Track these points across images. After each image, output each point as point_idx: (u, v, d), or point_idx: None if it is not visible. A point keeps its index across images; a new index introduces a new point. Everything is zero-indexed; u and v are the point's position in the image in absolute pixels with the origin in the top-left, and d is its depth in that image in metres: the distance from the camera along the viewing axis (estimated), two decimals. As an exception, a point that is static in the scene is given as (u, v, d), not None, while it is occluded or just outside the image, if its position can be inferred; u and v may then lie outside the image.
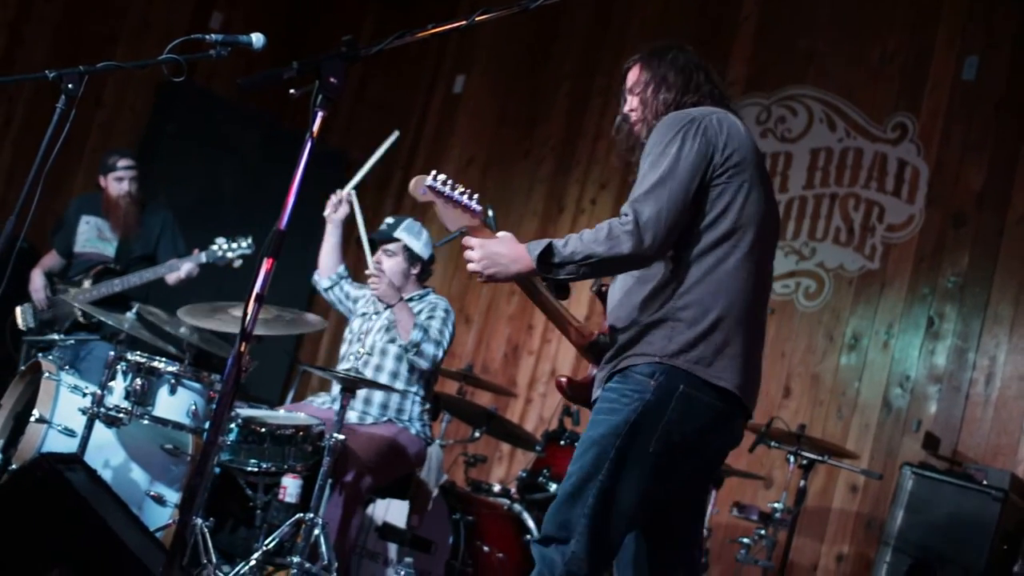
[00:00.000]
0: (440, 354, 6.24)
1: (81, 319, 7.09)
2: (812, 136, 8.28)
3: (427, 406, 6.43)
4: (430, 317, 6.32)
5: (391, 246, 6.47)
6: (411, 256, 6.50)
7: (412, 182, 3.83)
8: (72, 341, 7.22)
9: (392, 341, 6.32)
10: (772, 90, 8.59)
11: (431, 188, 3.78)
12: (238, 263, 7.46)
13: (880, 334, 7.54)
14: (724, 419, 3.71)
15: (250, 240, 7.48)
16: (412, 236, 6.50)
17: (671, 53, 4.05)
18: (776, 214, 3.97)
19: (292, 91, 3.27)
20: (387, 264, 6.43)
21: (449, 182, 3.79)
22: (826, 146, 8.18)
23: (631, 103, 4.10)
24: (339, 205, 6.62)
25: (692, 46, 4.12)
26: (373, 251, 6.53)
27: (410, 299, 6.43)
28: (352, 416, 6.17)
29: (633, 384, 3.62)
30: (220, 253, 7.40)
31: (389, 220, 6.63)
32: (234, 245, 7.44)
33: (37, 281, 7.66)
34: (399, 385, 6.23)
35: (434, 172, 3.76)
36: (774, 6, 8.82)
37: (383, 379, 6.21)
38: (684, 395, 3.58)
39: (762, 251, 3.79)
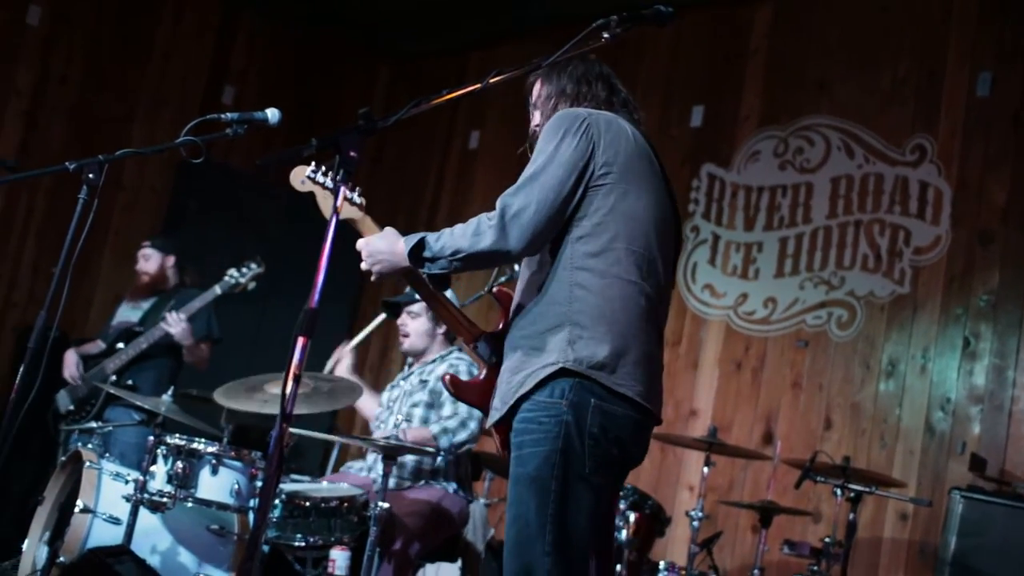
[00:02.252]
0: (472, 428, 6.15)
1: (111, 389, 7.11)
2: (831, 165, 8.26)
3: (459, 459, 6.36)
4: (430, 407, 6.30)
5: (414, 307, 6.44)
6: (435, 316, 6.47)
7: (292, 173, 3.93)
8: (110, 428, 7.24)
9: (415, 406, 6.30)
10: (787, 122, 8.59)
11: (310, 178, 3.90)
12: (252, 285, 7.53)
13: (917, 358, 7.49)
14: (640, 429, 3.67)
15: (258, 260, 7.55)
16: None
17: (571, 65, 4.00)
18: (672, 218, 3.90)
19: (312, 167, 3.29)
20: (411, 326, 6.42)
21: (329, 173, 3.86)
22: (846, 174, 8.16)
23: (535, 118, 4.09)
24: (340, 361, 6.65)
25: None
26: (396, 314, 6.52)
27: (433, 360, 6.42)
28: (389, 482, 6.14)
29: (547, 410, 3.54)
30: (232, 281, 7.50)
31: None
32: (244, 270, 7.54)
33: (70, 358, 7.73)
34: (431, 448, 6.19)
35: (314, 163, 3.84)
36: (782, 38, 8.82)
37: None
38: (597, 408, 3.52)
39: (653, 254, 3.73)
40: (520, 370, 3.64)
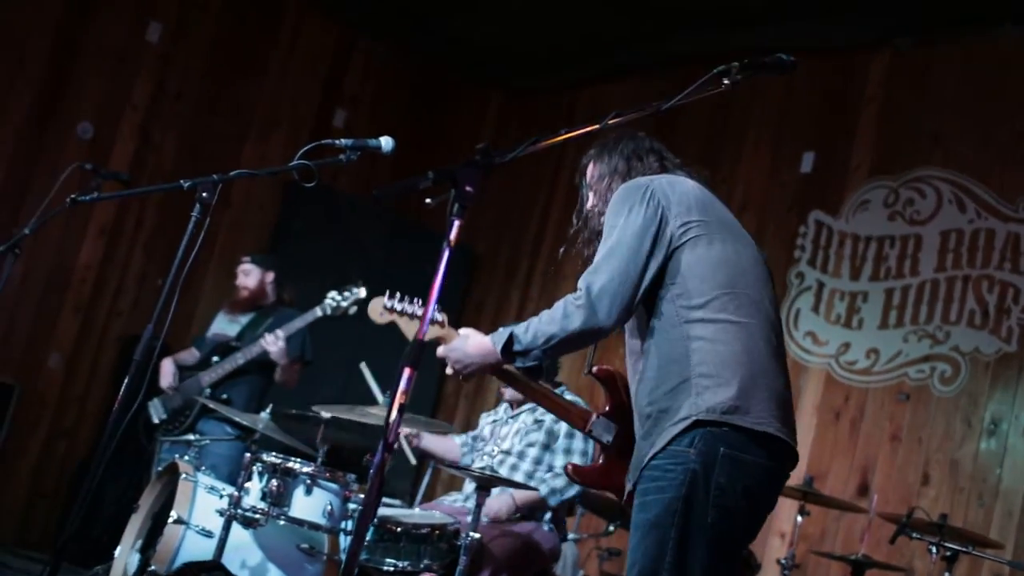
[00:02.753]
0: (579, 486, 6.12)
1: (210, 404, 7.17)
2: (942, 218, 8.17)
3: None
4: (570, 435, 6.27)
5: None
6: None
7: (370, 306, 3.99)
8: (207, 441, 7.30)
9: (531, 445, 6.29)
10: (899, 172, 8.50)
11: (388, 308, 3.92)
12: (353, 310, 7.56)
13: (1020, 419, 7.37)
14: (772, 476, 3.65)
15: (360, 285, 7.58)
16: None
17: (621, 143, 4.07)
18: (758, 258, 3.89)
19: (428, 200, 3.30)
20: None
21: (405, 299, 3.89)
22: (956, 227, 8.06)
23: (590, 199, 4.12)
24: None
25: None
26: None
27: (525, 408, 6.43)
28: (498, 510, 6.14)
29: (673, 457, 3.52)
30: (334, 304, 7.54)
31: None
32: (346, 294, 7.56)
33: (167, 367, 7.85)
34: (533, 484, 6.18)
35: (388, 292, 3.88)
36: (898, 88, 8.74)
37: (518, 478, 6.16)
38: (727, 457, 3.49)
39: (755, 294, 3.73)
40: (651, 434, 3.64)
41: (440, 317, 4.00)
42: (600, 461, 4.01)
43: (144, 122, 9.67)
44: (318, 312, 7.59)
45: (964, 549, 6.13)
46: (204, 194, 4.30)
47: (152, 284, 9.56)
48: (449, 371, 3.92)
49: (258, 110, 10.41)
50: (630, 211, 3.69)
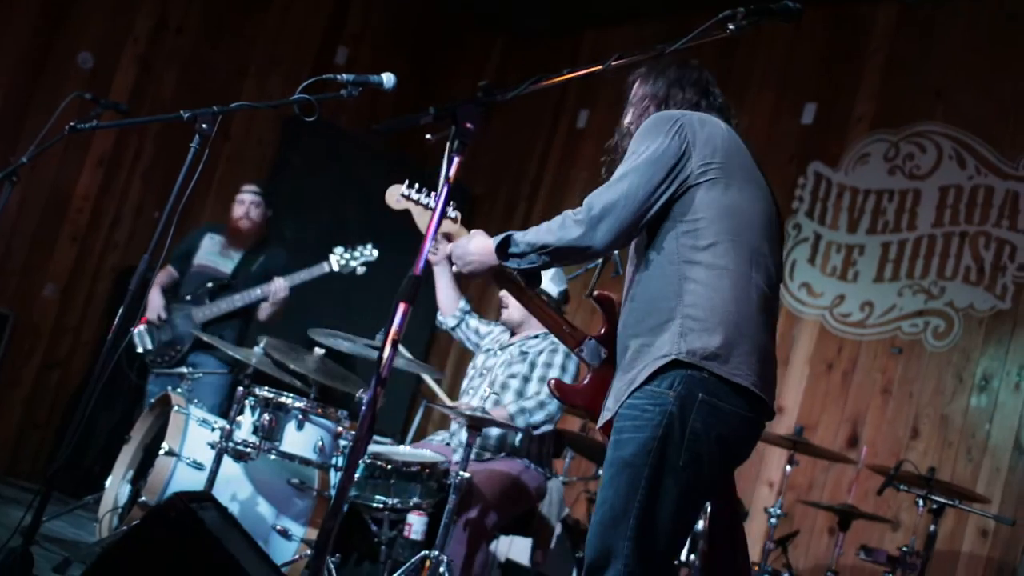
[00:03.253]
0: (550, 410, 6.13)
1: (205, 337, 7.15)
2: (941, 173, 8.15)
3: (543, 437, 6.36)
4: (548, 364, 6.29)
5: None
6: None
7: (387, 192, 3.96)
8: (200, 375, 7.31)
9: (513, 376, 6.31)
10: (900, 126, 8.48)
11: (405, 196, 3.91)
12: (362, 270, 7.56)
13: (1012, 375, 7.39)
14: (749, 425, 3.65)
15: (370, 246, 7.58)
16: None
17: (668, 68, 4.03)
18: (775, 212, 3.89)
19: (428, 136, 3.29)
20: (513, 305, 6.40)
21: (423, 190, 3.88)
22: (956, 183, 8.05)
23: (628, 115, 4.11)
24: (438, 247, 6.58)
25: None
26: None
27: (535, 336, 6.41)
28: (491, 432, 6.16)
29: (653, 399, 3.53)
30: (343, 261, 7.56)
31: None
32: (356, 253, 7.55)
33: (156, 300, 7.81)
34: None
35: (407, 182, 3.84)
36: (903, 41, 8.70)
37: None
38: (704, 403, 3.50)
39: (760, 247, 3.73)
40: (632, 367, 3.63)
41: (454, 214, 4.01)
42: (585, 382, 4.02)
43: (145, 54, 9.61)
44: (326, 267, 7.59)
45: (951, 503, 6.17)
46: (204, 125, 4.31)
47: (149, 216, 9.52)
48: (453, 269, 3.96)
49: (259, 46, 10.34)
50: (655, 138, 3.67)
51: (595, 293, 4.06)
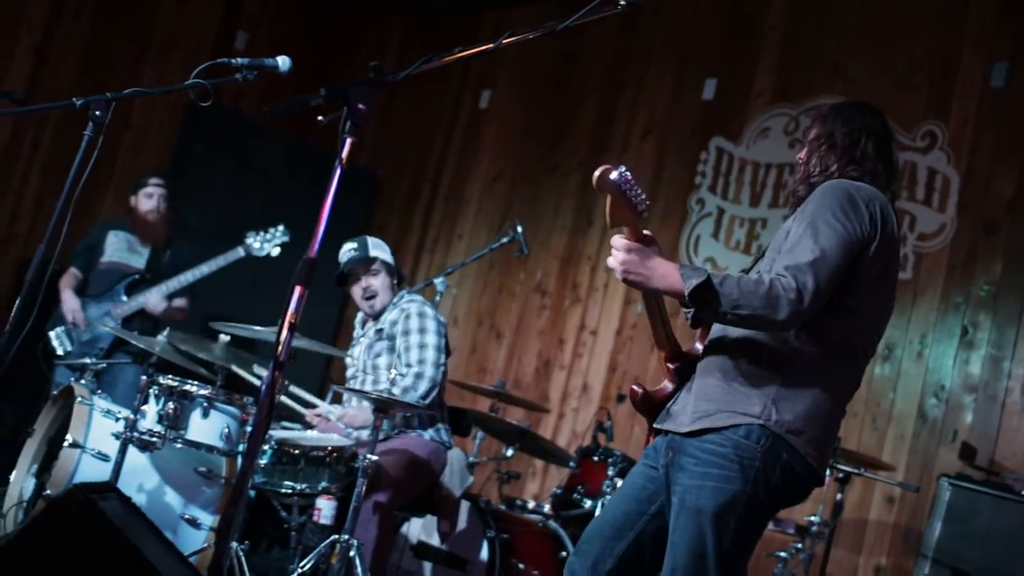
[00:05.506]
0: (429, 375, 6.18)
1: (118, 332, 7.10)
2: (841, 145, 8.21)
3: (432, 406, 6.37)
4: (405, 333, 6.31)
5: (374, 266, 6.44)
6: (389, 268, 6.54)
7: (599, 170, 3.50)
8: (104, 365, 7.23)
9: (378, 355, 6.38)
10: (799, 100, 8.55)
11: (615, 183, 3.47)
12: (275, 252, 7.54)
13: (914, 344, 7.49)
14: (805, 490, 3.71)
15: (282, 228, 7.56)
16: (382, 250, 6.54)
17: (849, 112, 3.95)
18: (893, 299, 3.89)
19: (320, 118, 3.27)
20: (377, 282, 6.41)
21: (632, 181, 3.53)
22: (855, 155, 8.11)
23: (803, 152, 4.04)
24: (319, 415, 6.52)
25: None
26: (345, 281, 6.52)
27: (381, 311, 6.49)
28: (363, 434, 6.15)
29: (737, 448, 3.55)
30: (256, 245, 7.56)
31: (352, 245, 6.49)
32: (268, 236, 7.54)
33: (72, 302, 7.68)
34: (396, 391, 6.16)
35: (622, 167, 3.49)
36: (800, 17, 8.79)
37: (383, 389, 6.19)
38: (786, 464, 3.56)
39: (875, 344, 3.79)
40: (716, 399, 3.65)
41: (646, 215, 3.64)
42: (667, 392, 3.94)
43: (41, 43, 9.47)
44: (240, 252, 7.55)
45: (856, 471, 6.27)
46: (97, 112, 4.25)
47: (49, 207, 9.39)
48: (612, 263, 3.60)
49: (157, 32, 10.23)
50: (847, 220, 3.57)
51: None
